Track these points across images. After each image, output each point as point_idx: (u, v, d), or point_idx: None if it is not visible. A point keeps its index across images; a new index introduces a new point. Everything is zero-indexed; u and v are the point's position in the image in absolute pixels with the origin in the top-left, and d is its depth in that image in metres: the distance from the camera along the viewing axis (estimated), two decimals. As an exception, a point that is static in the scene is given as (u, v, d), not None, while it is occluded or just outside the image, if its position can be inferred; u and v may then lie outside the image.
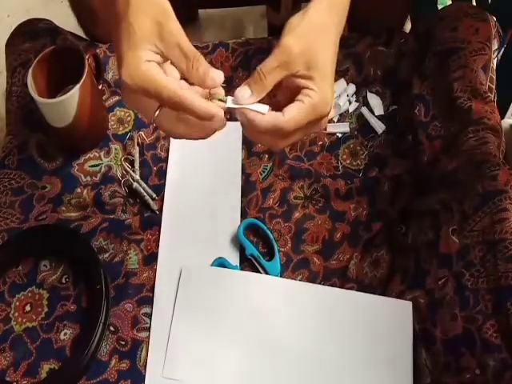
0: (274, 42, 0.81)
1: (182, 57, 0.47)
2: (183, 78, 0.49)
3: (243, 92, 0.48)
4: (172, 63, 0.48)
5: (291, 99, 0.48)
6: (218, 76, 0.49)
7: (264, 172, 0.74)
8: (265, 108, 0.48)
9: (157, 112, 0.48)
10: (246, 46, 0.82)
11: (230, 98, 0.49)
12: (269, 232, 0.69)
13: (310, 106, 0.47)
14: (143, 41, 0.46)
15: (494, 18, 0.73)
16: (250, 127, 0.49)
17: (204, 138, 0.51)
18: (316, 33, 0.48)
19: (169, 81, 0.46)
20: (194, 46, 0.87)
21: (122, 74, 0.46)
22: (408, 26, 0.90)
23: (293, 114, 0.47)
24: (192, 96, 0.46)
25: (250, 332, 0.64)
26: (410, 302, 0.64)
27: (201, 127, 0.50)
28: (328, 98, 0.48)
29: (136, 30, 0.46)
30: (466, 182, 0.64)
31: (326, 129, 0.76)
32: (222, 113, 0.48)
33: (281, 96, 0.50)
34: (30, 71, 0.70)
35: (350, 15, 0.55)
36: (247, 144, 0.76)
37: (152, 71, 0.46)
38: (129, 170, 0.73)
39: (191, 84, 0.49)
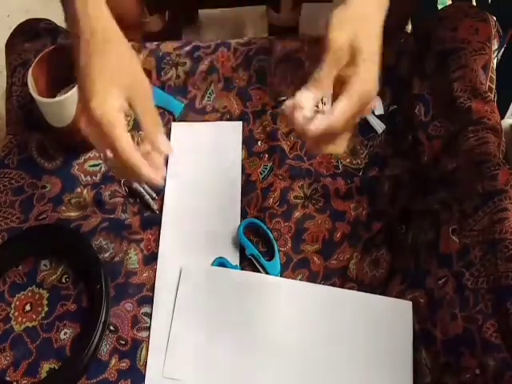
0: (275, 41, 0.81)
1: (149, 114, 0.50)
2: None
3: (307, 97, 0.48)
4: (133, 110, 0.49)
5: (338, 86, 0.49)
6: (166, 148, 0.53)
7: (264, 172, 0.74)
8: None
9: (109, 155, 0.49)
10: (248, 46, 0.82)
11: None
12: (269, 232, 0.69)
13: (356, 95, 0.47)
14: (117, 79, 0.47)
15: (494, 18, 0.73)
16: (306, 136, 0.48)
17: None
18: (360, 22, 0.49)
19: (126, 137, 0.47)
20: (196, 45, 0.87)
21: (92, 103, 0.46)
22: (408, 26, 0.90)
23: (341, 108, 0.47)
24: (140, 161, 0.48)
25: (249, 332, 0.64)
26: (410, 302, 0.64)
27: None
28: (371, 86, 0.48)
29: (111, 68, 0.47)
30: (466, 181, 0.64)
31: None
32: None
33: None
34: (30, 71, 0.70)
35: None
36: (247, 144, 0.76)
37: (119, 116, 0.47)
38: (129, 169, 0.73)
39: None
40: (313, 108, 0.48)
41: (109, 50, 0.48)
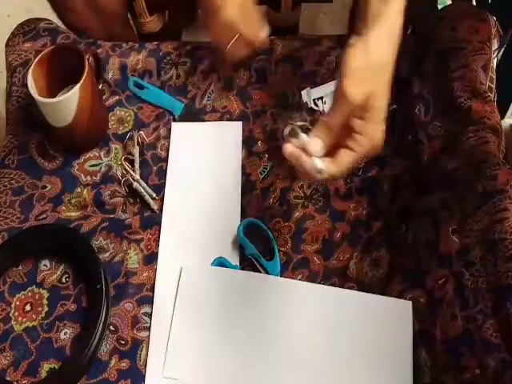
0: (275, 41, 0.81)
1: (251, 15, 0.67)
2: None
3: (316, 146, 0.51)
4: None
5: (342, 136, 0.51)
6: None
7: (264, 171, 0.74)
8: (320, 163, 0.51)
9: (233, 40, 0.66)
10: (247, 46, 0.82)
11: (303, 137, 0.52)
12: (269, 231, 0.69)
13: (360, 154, 0.50)
14: None
15: (494, 18, 0.73)
16: (308, 177, 0.53)
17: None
18: (377, 75, 0.50)
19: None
20: (196, 45, 0.87)
21: (221, 13, 0.64)
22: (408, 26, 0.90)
23: (344, 164, 0.51)
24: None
25: (249, 331, 0.64)
26: (410, 302, 0.64)
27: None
28: (378, 142, 0.51)
29: None
30: (466, 181, 0.64)
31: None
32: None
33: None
34: (30, 71, 0.70)
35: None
36: (247, 144, 0.76)
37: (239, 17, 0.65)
38: (129, 169, 0.73)
39: None
40: (321, 153, 0.51)
41: None
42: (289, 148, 0.51)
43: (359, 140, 0.50)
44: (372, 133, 0.50)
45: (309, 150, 0.51)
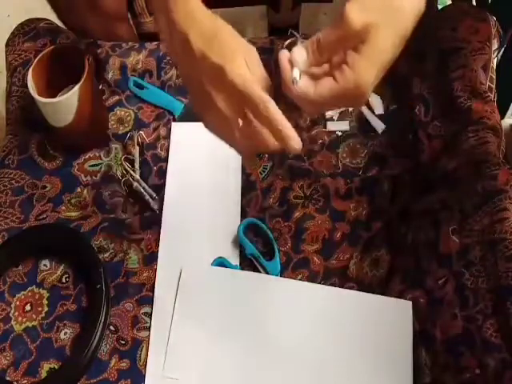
0: (275, 41, 0.81)
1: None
2: None
3: (299, 55, 0.47)
4: None
5: (332, 67, 0.47)
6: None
7: (264, 171, 0.74)
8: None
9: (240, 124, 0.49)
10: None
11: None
12: (269, 231, 0.69)
13: (342, 89, 0.46)
14: (240, 49, 0.48)
15: (494, 18, 0.73)
16: (287, 89, 0.48)
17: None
18: (389, 9, 0.45)
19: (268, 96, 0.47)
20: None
21: (234, 74, 0.46)
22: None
23: (323, 92, 0.46)
24: (283, 119, 0.47)
25: (249, 331, 0.64)
26: (410, 302, 0.64)
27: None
28: (364, 85, 0.45)
29: (235, 45, 0.48)
30: (466, 181, 0.64)
31: (325, 127, 0.76)
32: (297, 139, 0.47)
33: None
34: (30, 71, 0.70)
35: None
36: (247, 144, 0.76)
37: (254, 80, 0.47)
38: (129, 169, 0.73)
39: None
40: (303, 66, 0.47)
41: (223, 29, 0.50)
42: (283, 53, 0.48)
43: (345, 72, 0.45)
44: (361, 70, 0.45)
45: (291, 59, 0.47)
